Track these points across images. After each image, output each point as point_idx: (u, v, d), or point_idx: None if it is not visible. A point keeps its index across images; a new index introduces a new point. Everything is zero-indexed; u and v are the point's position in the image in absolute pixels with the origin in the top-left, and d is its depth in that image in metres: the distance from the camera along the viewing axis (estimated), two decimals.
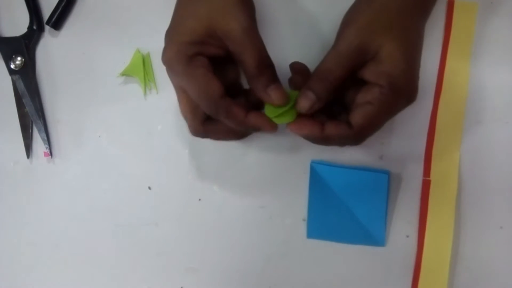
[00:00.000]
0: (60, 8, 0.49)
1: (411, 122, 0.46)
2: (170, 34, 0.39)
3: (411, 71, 0.38)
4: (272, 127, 0.39)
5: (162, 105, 0.48)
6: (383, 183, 0.45)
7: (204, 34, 0.37)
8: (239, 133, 0.42)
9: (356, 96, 0.38)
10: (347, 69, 0.37)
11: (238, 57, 0.38)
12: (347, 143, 0.40)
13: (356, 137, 0.39)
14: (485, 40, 0.46)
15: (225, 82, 0.39)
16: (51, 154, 0.49)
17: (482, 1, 0.46)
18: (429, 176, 0.46)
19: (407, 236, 0.46)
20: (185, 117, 0.41)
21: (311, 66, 0.40)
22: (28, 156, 0.49)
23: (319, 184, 0.46)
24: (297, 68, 0.41)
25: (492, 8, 0.47)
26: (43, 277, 0.49)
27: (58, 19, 0.49)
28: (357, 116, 0.37)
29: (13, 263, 0.49)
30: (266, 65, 0.38)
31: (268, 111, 0.39)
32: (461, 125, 0.46)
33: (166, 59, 0.38)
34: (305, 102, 0.38)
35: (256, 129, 0.39)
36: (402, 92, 0.37)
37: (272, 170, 0.47)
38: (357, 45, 0.37)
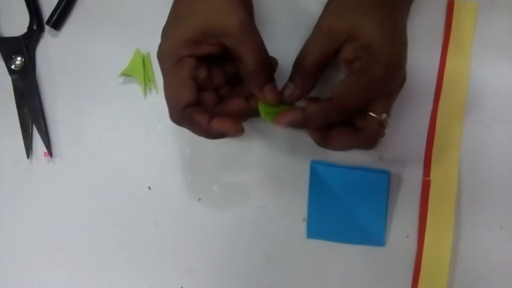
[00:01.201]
0: (60, 8, 0.49)
1: (411, 122, 0.46)
2: (166, 31, 0.39)
3: (389, 39, 0.37)
4: (237, 130, 0.39)
5: (162, 105, 0.48)
6: (383, 183, 0.45)
7: (200, 32, 0.37)
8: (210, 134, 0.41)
9: None
10: (320, 56, 0.38)
11: (236, 53, 0.38)
12: (332, 120, 0.39)
13: (339, 110, 0.38)
14: (485, 40, 0.46)
15: (223, 76, 0.40)
16: (51, 154, 0.49)
17: (482, 1, 0.46)
18: (429, 176, 0.46)
19: (407, 236, 0.46)
20: (169, 100, 0.40)
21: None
22: (28, 156, 0.49)
23: (319, 184, 0.46)
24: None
25: (492, 8, 0.47)
26: (43, 277, 0.49)
27: (58, 19, 0.49)
28: (337, 88, 0.37)
29: (13, 263, 0.49)
30: (264, 62, 0.39)
31: (261, 105, 0.40)
32: (461, 125, 0.46)
33: (160, 54, 0.39)
34: (286, 91, 0.40)
35: (221, 135, 0.39)
36: (381, 59, 0.36)
37: (272, 170, 0.47)
38: (327, 31, 0.38)
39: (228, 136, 0.39)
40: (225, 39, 0.38)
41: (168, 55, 0.38)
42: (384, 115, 0.39)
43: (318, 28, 0.39)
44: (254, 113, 0.41)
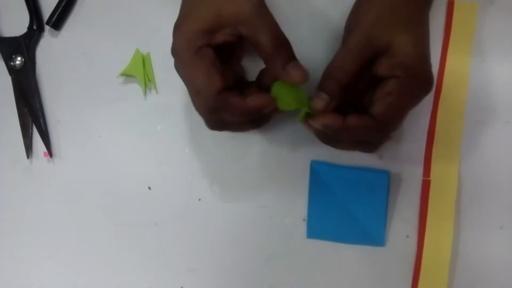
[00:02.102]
0: (60, 8, 0.49)
1: (411, 122, 0.46)
2: (179, 24, 0.39)
3: (424, 58, 0.38)
4: (271, 102, 0.38)
5: (162, 105, 0.48)
6: (383, 183, 0.45)
7: (214, 22, 0.37)
8: (250, 123, 0.42)
9: (375, 93, 0.38)
10: (358, 66, 0.38)
11: (253, 38, 0.37)
12: (368, 141, 0.40)
13: (380, 127, 0.38)
14: (485, 40, 0.46)
15: (230, 77, 0.39)
16: (51, 154, 0.49)
17: (482, 1, 0.46)
18: (429, 176, 0.46)
19: (407, 236, 0.46)
20: (201, 114, 0.40)
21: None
22: (28, 156, 0.49)
23: (319, 184, 0.46)
24: None
25: (492, 8, 0.47)
26: (43, 277, 0.49)
27: (58, 19, 0.49)
28: (379, 106, 0.38)
29: (13, 263, 0.49)
30: (282, 42, 0.38)
31: (276, 87, 0.39)
32: (461, 125, 0.46)
33: (176, 49, 0.38)
34: (319, 103, 0.38)
35: (259, 111, 0.38)
36: (419, 78, 0.37)
37: (272, 170, 0.47)
38: (366, 42, 0.37)
39: (265, 110, 0.39)
40: (240, 27, 0.37)
41: (185, 48, 0.37)
42: None
43: (355, 37, 0.38)
44: (257, 123, 0.42)
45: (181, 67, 0.39)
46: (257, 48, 0.38)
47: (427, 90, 0.38)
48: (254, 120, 0.41)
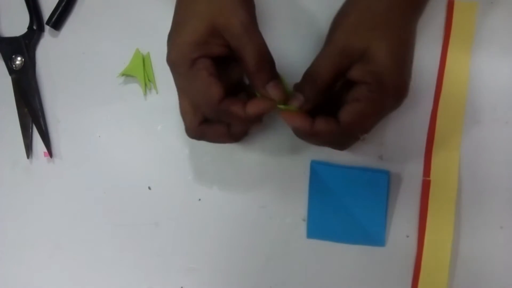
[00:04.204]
0: (60, 8, 0.49)
1: (411, 122, 0.46)
2: (173, 36, 0.39)
3: (399, 69, 0.38)
4: (272, 106, 0.39)
5: (162, 105, 0.48)
6: (383, 183, 0.45)
7: (206, 34, 0.38)
8: (234, 136, 0.42)
9: (347, 95, 0.39)
10: (333, 72, 0.38)
11: (238, 53, 0.38)
12: (335, 142, 0.41)
13: (345, 134, 0.39)
14: (485, 40, 0.46)
15: (229, 81, 0.39)
16: (51, 154, 0.49)
17: (482, 1, 0.46)
18: (429, 176, 0.46)
19: (407, 236, 0.46)
20: (184, 118, 0.41)
21: (309, 63, 0.40)
22: (28, 156, 0.49)
23: (319, 184, 0.46)
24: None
25: (492, 8, 0.47)
26: (43, 277, 0.49)
27: (58, 19, 0.49)
28: (345, 113, 0.38)
29: (13, 263, 0.49)
30: (266, 61, 0.39)
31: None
32: (461, 125, 0.46)
33: (171, 61, 0.38)
34: (295, 103, 0.39)
35: (259, 117, 0.39)
36: (390, 89, 0.37)
37: (272, 170, 0.47)
38: (342, 48, 0.38)
39: (265, 114, 0.39)
40: (228, 39, 0.38)
41: (181, 60, 0.38)
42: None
43: (332, 43, 0.38)
44: (234, 138, 0.42)
45: (178, 79, 0.39)
46: (242, 63, 0.38)
47: (397, 101, 0.38)
48: (238, 135, 0.42)
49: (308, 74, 0.39)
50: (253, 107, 0.38)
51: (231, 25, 0.37)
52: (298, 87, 0.40)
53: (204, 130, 0.41)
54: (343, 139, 0.41)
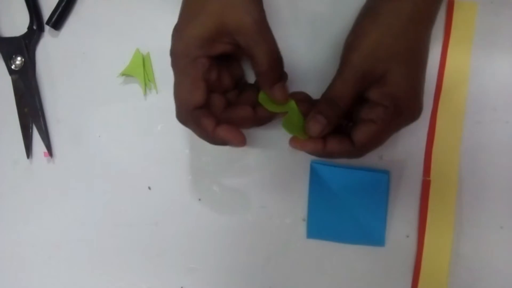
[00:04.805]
0: (60, 8, 0.49)
1: None
2: (180, 28, 0.39)
3: (417, 92, 0.38)
4: (240, 141, 0.39)
5: (162, 105, 0.48)
6: (383, 183, 0.45)
7: (214, 30, 0.37)
8: (259, 120, 0.42)
9: (360, 112, 0.39)
10: (355, 95, 0.38)
11: (250, 51, 0.38)
12: (349, 157, 0.41)
13: (358, 153, 0.40)
14: (485, 40, 0.46)
15: (228, 79, 0.40)
16: (51, 154, 0.49)
17: (482, 1, 0.46)
18: (429, 176, 0.46)
19: (407, 236, 0.46)
20: (178, 100, 0.40)
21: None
22: (28, 156, 0.49)
23: (319, 184, 0.46)
24: (300, 98, 0.42)
25: (492, 8, 0.46)
26: (44, 277, 0.49)
27: (58, 19, 0.49)
28: (360, 134, 0.38)
29: (13, 263, 0.49)
30: (277, 61, 0.39)
31: (262, 98, 0.40)
32: (461, 125, 0.46)
33: (174, 52, 0.38)
34: (316, 126, 0.39)
35: (224, 142, 0.39)
36: (406, 112, 0.38)
37: (272, 170, 0.47)
38: (363, 72, 0.37)
39: (230, 145, 0.39)
40: (238, 37, 0.37)
41: (183, 54, 0.38)
42: None
43: (352, 65, 0.38)
44: (259, 122, 0.42)
45: (174, 70, 0.39)
46: (252, 61, 0.38)
47: (412, 121, 0.39)
48: (257, 118, 0.42)
49: (329, 98, 0.39)
50: (223, 131, 0.38)
51: (244, 23, 0.37)
52: (318, 109, 0.39)
53: (227, 113, 0.41)
54: (354, 157, 0.41)
